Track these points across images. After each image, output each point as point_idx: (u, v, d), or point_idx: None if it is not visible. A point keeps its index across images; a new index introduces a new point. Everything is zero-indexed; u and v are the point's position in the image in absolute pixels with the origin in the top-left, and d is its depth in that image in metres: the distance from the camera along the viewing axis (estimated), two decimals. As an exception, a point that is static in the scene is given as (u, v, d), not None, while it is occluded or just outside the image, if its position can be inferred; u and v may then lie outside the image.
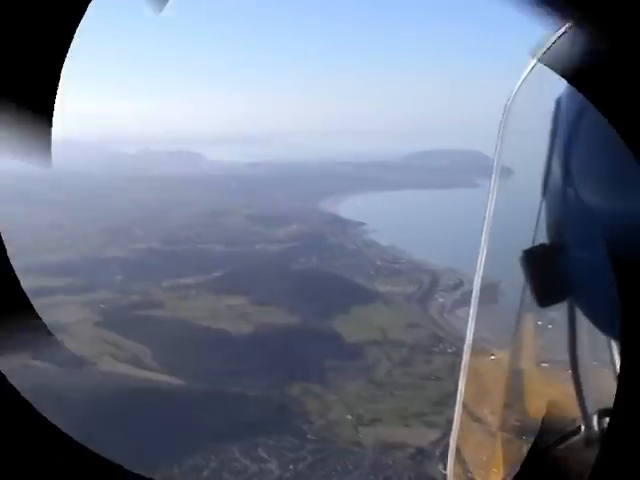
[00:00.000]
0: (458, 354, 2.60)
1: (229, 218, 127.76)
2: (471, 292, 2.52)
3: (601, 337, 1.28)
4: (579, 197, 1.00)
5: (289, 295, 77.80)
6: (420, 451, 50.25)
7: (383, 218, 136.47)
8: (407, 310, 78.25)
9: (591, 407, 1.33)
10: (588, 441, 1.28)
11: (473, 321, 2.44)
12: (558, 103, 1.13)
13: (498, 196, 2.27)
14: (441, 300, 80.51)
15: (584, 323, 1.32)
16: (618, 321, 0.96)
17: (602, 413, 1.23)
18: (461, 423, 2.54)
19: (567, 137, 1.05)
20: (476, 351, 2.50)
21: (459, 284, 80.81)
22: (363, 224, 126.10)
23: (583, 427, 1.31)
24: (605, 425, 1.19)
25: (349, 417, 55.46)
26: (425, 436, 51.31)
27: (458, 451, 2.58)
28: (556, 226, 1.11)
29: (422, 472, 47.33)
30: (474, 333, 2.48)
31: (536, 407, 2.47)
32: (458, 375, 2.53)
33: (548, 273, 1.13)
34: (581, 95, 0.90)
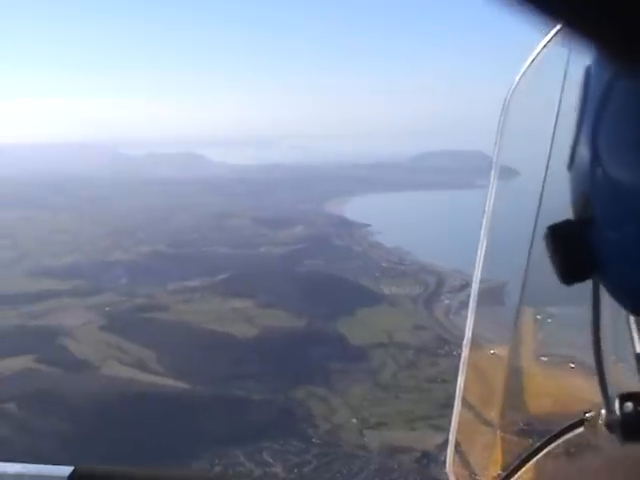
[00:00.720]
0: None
1: (234, 221, 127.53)
2: (480, 294, 2.56)
3: (621, 322, 1.26)
4: (607, 171, 0.95)
5: (294, 298, 77.57)
6: (426, 455, 49.99)
7: (388, 220, 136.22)
8: (413, 312, 78.04)
9: (611, 392, 1.31)
10: (609, 425, 1.23)
11: (472, 316, 2.47)
12: (588, 71, 1.05)
13: (503, 196, 2.33)
14: (447, 302, 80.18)
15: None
16: None
17: (624, 397, 1.19)
18: (460, 418, 2.57)
19: (596, 107, 0.98)
20: (475, 346, 2.53)
21: (465, 285, 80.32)
22: (368, 226, 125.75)
23: (604, 411, 1.28)
24: (627, 409, 1.15)
25: (354, 421, 55.25)
26: (431, 439, 50.95)
27: (458, 446, 2.59)
28: (583, 201, 1.03)
29: (428, 476, 47.03)
30: (480, 334, 2.54)
31: (536, 401, 2.61)
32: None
33: (573, 249, 1.06)
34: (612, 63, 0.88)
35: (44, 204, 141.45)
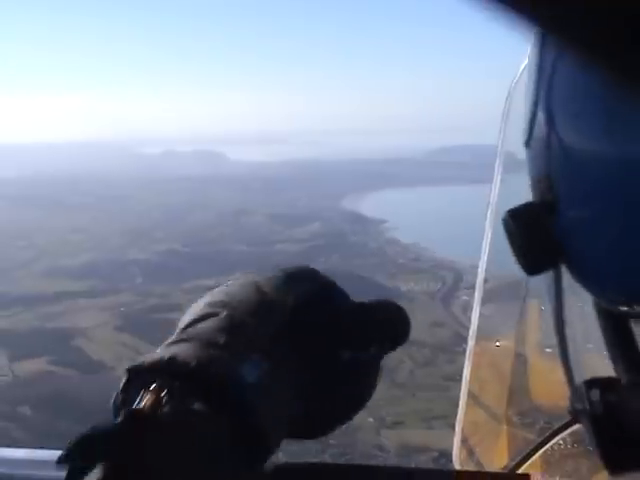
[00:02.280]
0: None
1: (250, 218, 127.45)
2: (495, 289, 2.70)
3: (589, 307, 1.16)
4: (568, 148, 0.88)
5: (311, 295, 77.06)
6: (443, 454, 49.14)
7: (405, 215, 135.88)
8: (430, 309, 77.38)
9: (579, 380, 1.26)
10: (575, 415, 1.18)
11: (478, 308, 2.50)
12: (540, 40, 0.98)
13: (509, 187, 2.28)
14: (465, 298, 79.38)
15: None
16: (613, 284, 0.92)
17: (590, 384, 1.13)
18: (466, 410, 2.59)
19: (550, 75, 0.91)
20: (481, 339, 2.57)
21: (483, 282, 79.71)
22: (385, 222, 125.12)
23: (570, 400, 1.21)
24: (594, 397, 1.10)
25: (371, 420, 54.54)
26: (448, 438, 49.18)
27: (464, 438, 2.62)
28: (543, 181, 0.95)
29: (446, 476, 46.49)
30: (486, 327, 2.58)
31: (543, 392, 2.60)
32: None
33: (536, 236, 0.97)
34: None
35: (60, 203, 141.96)
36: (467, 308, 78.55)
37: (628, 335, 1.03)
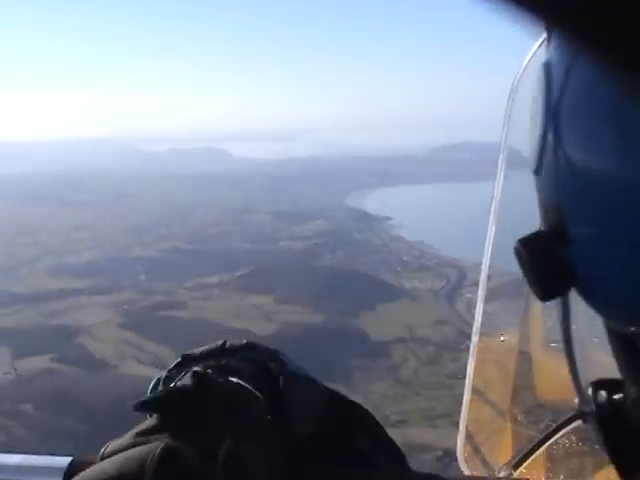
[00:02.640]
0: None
1: (254, 215, 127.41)
2: (499, 287, 2.71)
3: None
4: (578, 180, 0.88)
5: (314, 293, 76.91)
6: (447, 453, 49.08)
7: (409, 213, 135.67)
8: (434, 306, 77.15)
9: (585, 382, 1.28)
10: (583, 417, 1.19)
11: (481, 304, 2.52)
12: (547, 67, 0.95)
13: (513, 184, 2.34)
14: (469, 296, 79.08)
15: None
16: (624, 306, 0.92)
17: (597, 385, 1.14)
18: (470, 406, 2.60)
19: (558, 102, 0.91)
20: (485, 335, 2.58)
21: (487, 279, 79.36)
22: (389, 219, 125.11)
23: (576, 401, 1.23)
24: (601, 399, 1.11)
25: (375, 418, 54.42)
26: (452, 437, 49.43)
27: (468, 433, 2.63)
28: (552, 211, 0.96)
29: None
30: (490, 323, 2.60)
31: (546, 388, 2.62)
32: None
33: (548, 264, 0.98)
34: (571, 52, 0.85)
35: (64, 201, 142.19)
36: (471, 306, 77.89)
37: (639, 355, 1.02)
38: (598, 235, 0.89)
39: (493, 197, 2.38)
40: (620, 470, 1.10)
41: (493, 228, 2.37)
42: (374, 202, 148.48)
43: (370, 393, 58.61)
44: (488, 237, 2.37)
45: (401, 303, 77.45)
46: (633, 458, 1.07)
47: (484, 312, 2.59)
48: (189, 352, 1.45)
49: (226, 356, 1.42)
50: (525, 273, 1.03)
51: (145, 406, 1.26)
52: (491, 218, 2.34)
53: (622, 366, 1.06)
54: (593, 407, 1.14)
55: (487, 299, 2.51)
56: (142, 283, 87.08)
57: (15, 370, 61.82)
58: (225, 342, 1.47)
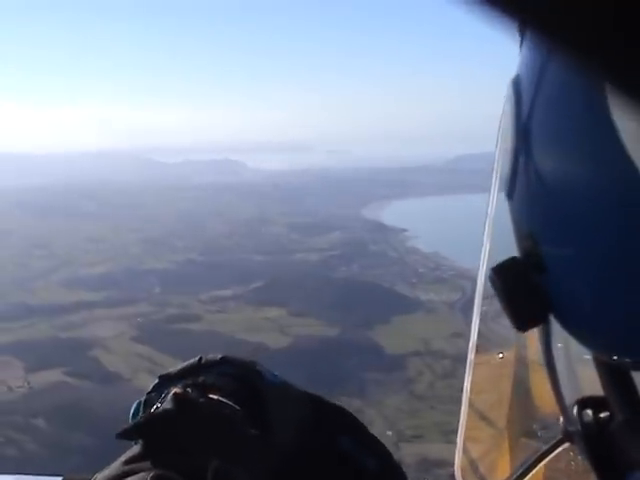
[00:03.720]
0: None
1: (269, 227, 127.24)
2: (496, 301, 2.36)
3: None
4: (551, 206, 0.84)
5: (328, 306, 76.43)
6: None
7: (425, 224, 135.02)
8: (450, 319, 76.39)
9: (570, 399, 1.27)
10: (568, 437, 1.20)
11: (477, 319, 2.40)
12: (516, 83, 0.92)
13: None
14: (484, 308, 78.24)
15: None
16: (603, 336, 0.91)
17: (582, 404, 1.13)
18: (468, 421, 2.53)
19: (528, 119, 0.87)
20: (482, 349, 2.51)
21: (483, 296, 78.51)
22: (405, 230, 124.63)
23: (561, 421, 1.23)
24: (587, 418, 1.10)
25: (389, 433, 53.65)
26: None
27: (466, 449, 2.54)
28: (527, 239, 0.91)
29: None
30: (488, 337, 2.56)
31: (544, 403, 2.48)
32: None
33: (523, 293, 0.94)
34: (538, 67, 0.82)
35: (79, 213, 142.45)
36: (487, 319, 77.23)
37: (625, 381, 1.01)
38: (573, 261, 0.86)
39: (487, 214, 2.07)
40: None
41: (488, 245, 2.05)
42: (390, 213, 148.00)
43: (385, 407, 58.06)
44: (482, 255, 2.06)
45: (416, 316, 76.86)
46: (620, 477, 1.05)
47: (482, 329, 2.41)
48: (166, 372, 1.47)
49: (203, 373, 1.42)
50: (500, 302, 0.99)
51: (127, 434, 1.27)
52: (485, 235, 2.07)
53: (607, 390, 1.05)
54: (579, 426, 1.11)
55: (485, 314, 2.32)
56: (156, 296, 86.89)
57: (28, 384, 61.61)
58: (200, 358, 1.47)
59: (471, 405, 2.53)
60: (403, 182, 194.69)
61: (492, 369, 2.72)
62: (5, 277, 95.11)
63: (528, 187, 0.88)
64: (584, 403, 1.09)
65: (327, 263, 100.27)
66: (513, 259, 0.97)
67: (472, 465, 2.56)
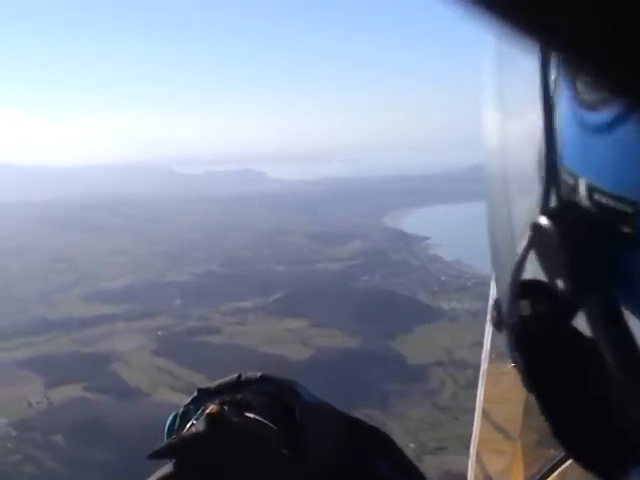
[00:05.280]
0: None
1: (290, 237, 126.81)
2: None
3: None
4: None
5: (350, 316, 75.78)
6: (488, 481, 47.62)
7: (448, 232, 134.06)
8: (473, 328, 75.18)
9: None
10: (497, 325, 1.10)
11: (490, 329, 2.53)
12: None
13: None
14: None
15: None
16: None
17: (522, 289, 0.98)
18: (482, 430, 2.73)
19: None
20: (495, 359, 2.62)
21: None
22: (427, 239, 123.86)
23: (492, 310, 1.11)
24: (524, 310, 0.96)
25: (412, 445, 52.81)
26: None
27: (479, 458, 2.77)
28: (627, 199, 0.76)
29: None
30: (501, 347, 2.50)
31: None
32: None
33: (598, 258, 0.81)
34: None
35: (99, 226, 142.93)
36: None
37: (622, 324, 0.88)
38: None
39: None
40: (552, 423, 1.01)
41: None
42: (411, 221, 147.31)
43: (407, 419, 57.31)
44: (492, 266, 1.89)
45: (439, 325, 76.08)
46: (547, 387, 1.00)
47: (495, 336, 2.48)
48: (205, 387, 1.46)
49: (241, 390, 1.43)
50: (547, 258, 0.87)
51: (160, 454, 1.27)
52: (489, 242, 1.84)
53: (602, 337, 0.89)
54: (516, 318, 0.97)
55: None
56: (177, 308, 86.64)
57: (47, 399, 61.39)
58: (240, 375, 1.47)
59: (486, 415, 2.71)
60: (425, 190, 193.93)
61: (506, 379, 2.68)
62: (25, 291, 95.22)
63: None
64: (525, 288, 0.94)
65: (348, 273, 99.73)
66: (584, 213, 0.83)
67: (486, 475, 2.70)
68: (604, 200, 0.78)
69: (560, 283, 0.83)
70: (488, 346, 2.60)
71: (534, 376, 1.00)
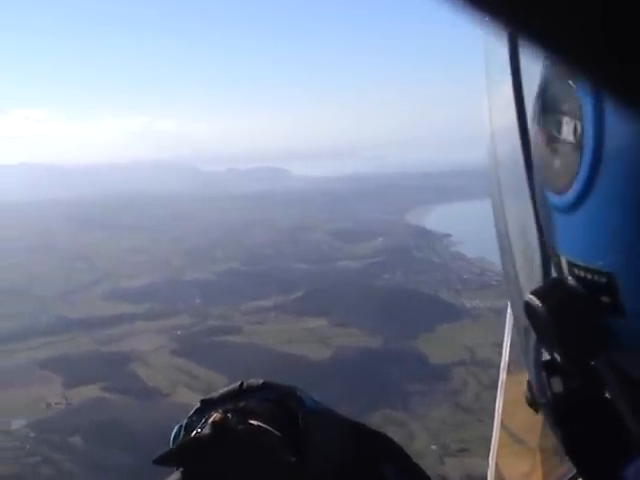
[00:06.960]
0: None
1: (311, 234, 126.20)
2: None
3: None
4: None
5: (371, 315, 74.97)
6: (512, 485, 46.71)
7: (470, 229, 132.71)
8: (496, 327, 73.90)
9: None
10: (534, 406, 1.24)
11: (508, 338, 2.56)
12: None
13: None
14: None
15: None
16: None
17: (549, 369, 1.12)
18: (500, 441, 2.71)
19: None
20: (513, 368, 2.61)
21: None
22: (449, 236, 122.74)
23: (526, 389, 1.30)
24: (557, 389, 1.08)
25: (434, 447, 52.07)
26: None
27: (498, 468, 2.75)
28: (598, 269, 0.82)
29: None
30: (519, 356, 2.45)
31: None
32: None
33: (584, 330, 0.89)
34: None
35: (120, 224, 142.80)
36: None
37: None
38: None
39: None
40: (579, 467, 1.07)
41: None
42: (433, 219, 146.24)
43: (429, 419, 56.54)
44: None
45: (462, 324, 75.17)
46: (591, 454, 1.03)
47: (513, 345, 2.51)
48: (207, 397, 1.46)
49: (244, 398, 1.43)
50: (542, 333, 0.92)
51: (165, 460, 1.28)
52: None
53: (622, 401, 0.98)
54: (549, 397, 1.05)
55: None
56: (197, 307, 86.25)
57: (66, 400, 61.12)
58: (242, 383, 1.48)
59: (504, 425, 2.70)
60: (447, 186, 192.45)
61: (524, 389, 2.19)
62: (46, 290, 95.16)
63: (610, 217, 0.79)
64: (552, 368, 1.01)
65: (369, 271, 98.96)
66: (570, 291, 0.87)
67: None
68: (582, 274, 0.84)
69: (557, 357, 0.94)
70: (506, 357, 2.58)
71: (574, 447, 1.09)
